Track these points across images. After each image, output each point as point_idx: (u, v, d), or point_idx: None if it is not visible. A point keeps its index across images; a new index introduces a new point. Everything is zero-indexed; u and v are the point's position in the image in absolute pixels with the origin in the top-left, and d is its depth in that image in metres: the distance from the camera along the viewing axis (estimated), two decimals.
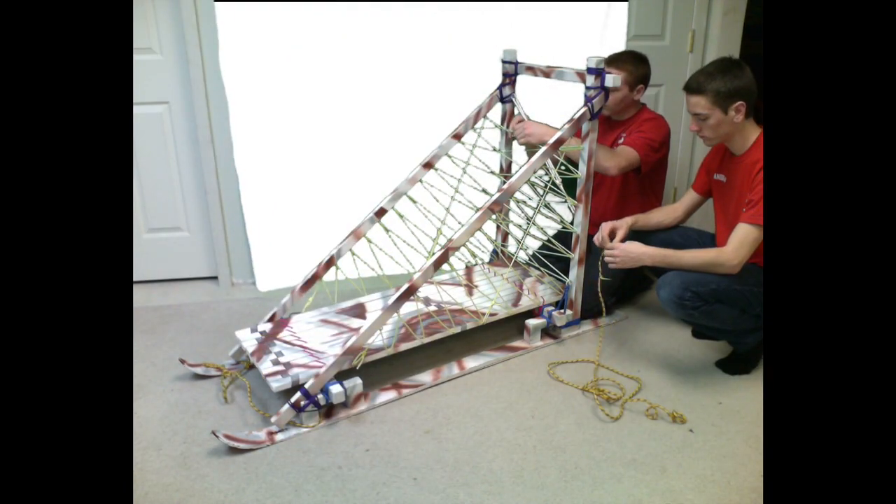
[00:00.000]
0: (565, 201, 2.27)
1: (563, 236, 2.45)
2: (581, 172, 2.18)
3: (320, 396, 1.84)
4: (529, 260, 2.58)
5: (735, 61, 1.97)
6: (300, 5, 2.41)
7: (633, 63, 2.36)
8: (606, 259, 2.09)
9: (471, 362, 2.16)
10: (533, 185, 2.31)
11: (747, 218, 1.92)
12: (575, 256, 2.27)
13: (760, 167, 1.94)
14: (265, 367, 1.92)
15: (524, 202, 2.33)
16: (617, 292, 2.48)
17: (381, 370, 2.09)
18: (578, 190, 2.20)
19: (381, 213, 2.26)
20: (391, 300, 1.90)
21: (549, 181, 2.27)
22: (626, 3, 2.67)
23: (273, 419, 1.82)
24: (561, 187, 2.27)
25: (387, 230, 2.27)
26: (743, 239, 1.93)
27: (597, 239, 2.20)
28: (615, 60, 2.36)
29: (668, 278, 2.00)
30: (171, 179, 2.66)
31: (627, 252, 2.04)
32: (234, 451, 1.76)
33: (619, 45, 2.71)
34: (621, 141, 2.42)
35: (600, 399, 1.96)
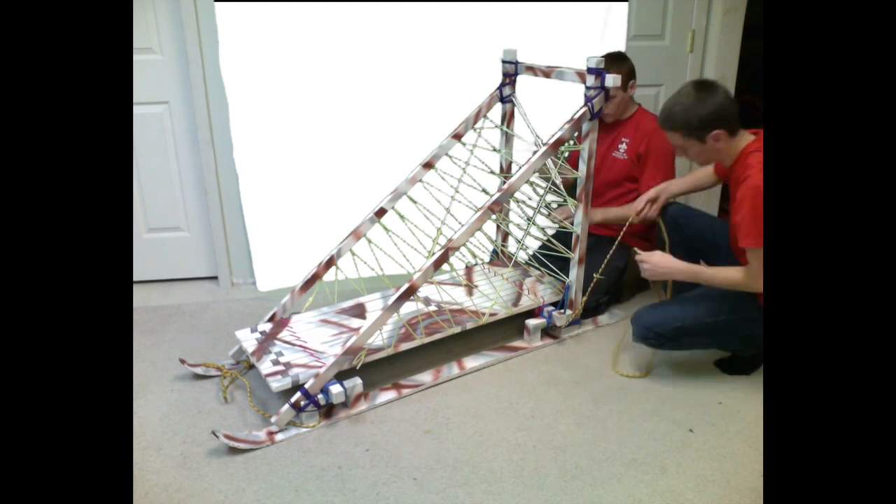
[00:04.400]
0: (565, 201, 2.27)
1: (564, 236, 2.45)
2: (581, 172, 2.18)
3: (320, 396, 1.84)
4: (529, 260, 2.58)
5: (705, 85, 1.88)
6: (300, 5, 2.41)
7: (616, 64, 2.31)
8: (640, 264, 2.04)
9: (471, 362, 2.16)
10: (533, 185, 2.31)
11: (748, 244, 1.82)
12: (575, 256, 2.27)
13: (743, 184, 1.83)
14: (265, 367, 1.92)
15: (524, 202, 2.33)
16: (610, 290, 2.50)
17: (381, 370, 2.09)
18: (578, 190, 2.20)
19: (381, 213, 2.26)
20: (391, 300, 1.90)
21: (549, 183, 2.27)
22: (626, 3, 2.66)
23: (273, 419, 1.82)
24: (562, 187, 2.27)
25: (387, 230, 2.27)
26: (756, 262, 1.83)
27: (636, 209, 2.21)
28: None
29: (636, 317, 2.07)
30: (171, 179, 2.66)
31: (656, 266, 1.99)
32: (234, 451, 1.76)
33: (619, 46, 2.71)
34: (622, 147, 2.46)
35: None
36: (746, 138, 1.91)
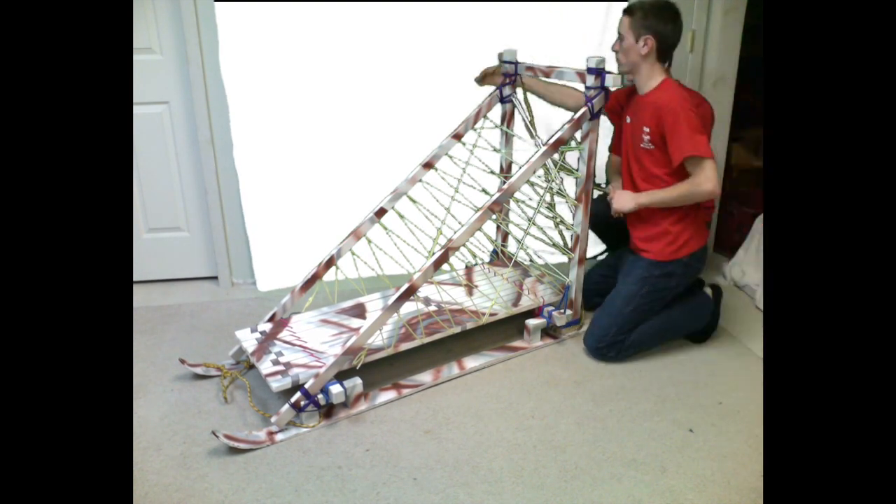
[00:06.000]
0: (566, 201, 2.27)
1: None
2: (581, 172, 2.18)
3: (320, 396, 1.84)
4: (531, 260, 2.58)
5: (674, 9, 2.06)
6: (300, 5, 2.41)
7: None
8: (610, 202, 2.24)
9: (471, 362, 2.17)
10: (533, 185, 2.31)
11: (689, 152, 2.00)
12: (575, 256, 2.27)
13: (664, 108, 2.03)
14: (265, 367, 1.92)
15: (524, 202, 2.33)
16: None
17: (381, 370, 2.09)
18: (578, 190, 2.20)
19: (381, 213, 2.26)
20: (391, 300, 1.90)
21: (549, 184, 2.27)
22: (625, 4, 2.66)
23: (273, 419, 1.82)
24: (562, 188, 2.27)
25: (387, 230, 2.27)
26: (696, 169, 2.03)
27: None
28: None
29: (585, 342, 2.25)
30: (171, 179, 2.66)
31: (620, 199, 2.19)
32: (234, 451, 1.76)
33: None
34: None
35: None
36: (664, 76, 2.11)
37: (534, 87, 2.39)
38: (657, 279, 2.18)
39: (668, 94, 2.06)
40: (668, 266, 2.18)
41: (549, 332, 2.34)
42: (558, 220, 2.37)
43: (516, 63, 2.35)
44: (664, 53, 2.08)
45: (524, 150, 2.52)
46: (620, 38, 2.09)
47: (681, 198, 2.09)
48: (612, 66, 2.15)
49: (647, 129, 2.11)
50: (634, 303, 2.17)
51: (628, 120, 2.22)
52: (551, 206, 2.40)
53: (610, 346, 2.17)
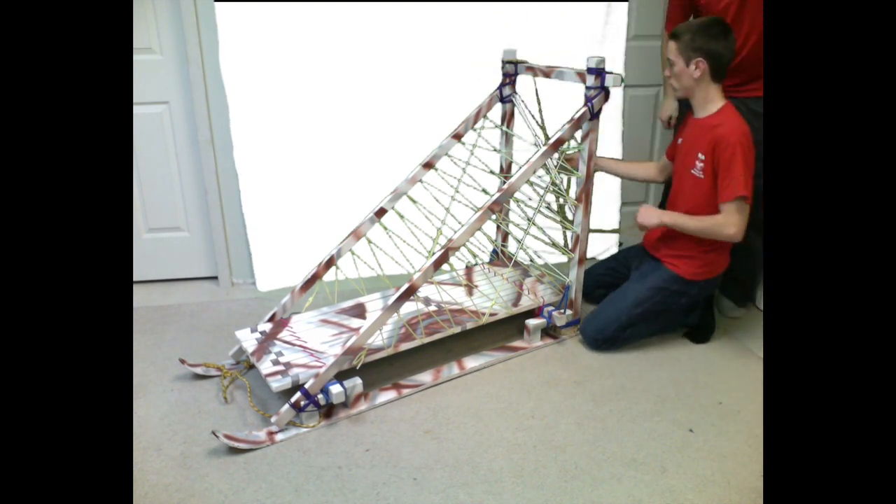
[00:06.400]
0: (566, 201, 2.27)
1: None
2: (581, 173, 2.18)
3: (320, 396, 1.84)
4: (531, 259, 2.58)
5: (723, 24, 2.00)
6: (300, 5, 2.41)
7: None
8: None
9: (471, 362, 2.17)
10: (532, 185, 2.31)
11: (741, 192, 1.97)
12: (575, 256, 2.27)
13: (723, 142, 1.98)
14: (265, 367, 1.92)
15: (524, 202, 2.33)
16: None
17: (381, 370, 2.09)
18: (578, 190, 2.21)
19: (381, 213, 2.26)
20: (391, 300, 1.90)
21: (549, 183, 2.27)
22: (626, 3, 2.66)
23: (273, 419, 1.82)
24: (562, 187, 2.27)
25: (387, 230, 2.27)
26: (732, 210, 2.01)
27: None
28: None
29: (582, 331, 2.29)
30: (171, 179, 2.66)
31: (645, 213, 2.16)
32: (234, 451, 1.76)
33: (619, 46, 2.71)
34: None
35: None
36: (724, 100, 2.07)
37: (602, 165, 2.37)
38: (672, 294, 2.20)
39: (728, 125, 2.00)
40: (688, 285, 2.19)
41: (549, 332, 2.34)
42: (566, 224, 2.36)
43: (516, 63, 2.35)
44: (719, 73, 2.01)
45: (524, 150, 2.52)
46: (671, 63, 2.04)
47: (701, 231, 2.08)
48: (612, 65, 2.15)
49: (701, 157, 2.05)
50: (644, 307, 2.20)
51: (679, 141, 2.20)
52: (561, 209, 2.41)
53: (607, 340, 2.22)
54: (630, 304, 2.20)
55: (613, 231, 2.78)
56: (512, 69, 2.36)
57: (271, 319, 2.18)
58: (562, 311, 2.30)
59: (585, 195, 2.20)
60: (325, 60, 2.50)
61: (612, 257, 2.55)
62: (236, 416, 1.91)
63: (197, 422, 1.88)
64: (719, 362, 2.19)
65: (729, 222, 2.00)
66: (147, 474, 1.68)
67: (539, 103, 2.41)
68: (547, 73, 2.24)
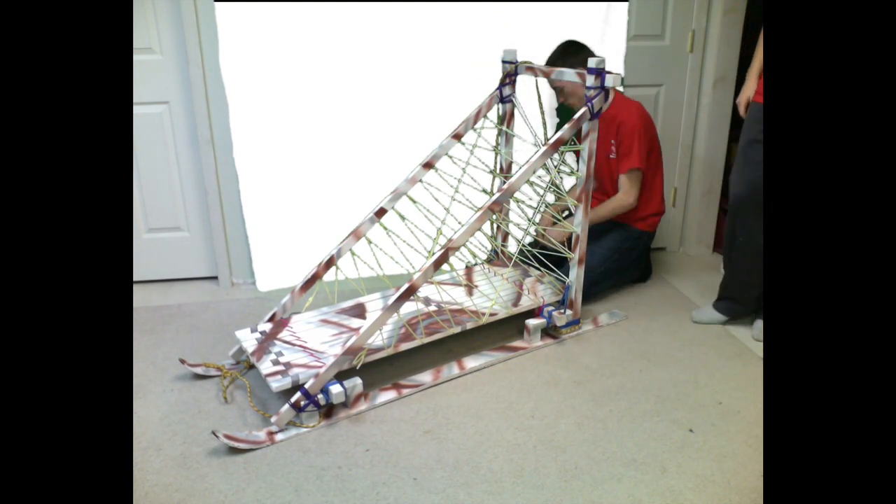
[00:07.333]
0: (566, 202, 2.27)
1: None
2: (581, 172, 2.18)
3: (320, 396, 1.84)
4: (528, 259, 2.58)
5: (575, 44, 2.42)
6: (300, 5, 2.41)
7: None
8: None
9: (471, 362, 2.17)
10: (533, 185, 2.31)
11: (623, 169, 2.46)
12: (575, 256, 2.27)
13: (624, 125, 2.44)
14: (265, 367, 1.92)
15: (524, 202, 2.33)
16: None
17: (381, 370, 2.09)
18: (578, 190, 2.21)
19: (381, 213, 2.26)
20: (391, 300, 1.90)
21: (549, 182, 2.27)
22: (626, 3, 2.66)
23: (273, 419, 1.82)
24: (561, 188, 2.27)
25: (387, 230, 2.27)
26: (628, 180, 2.49)
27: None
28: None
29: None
30: (171, 179, 2.66)
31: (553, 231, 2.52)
32: (234, 451, 1.76)
33: (619, 46, 2.71)
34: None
35: None
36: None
37: (593, 219, 2.52)
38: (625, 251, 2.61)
39: (624, 110, 2.46)
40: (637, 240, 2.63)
41: (549, 332, 2.34)
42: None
43: (516, 63, 2.35)
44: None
45: (524, 150, 2.52)
46: (561, 87, 2.45)
47: (612, 212, 2.56)
48: (612, 65, 2.15)
49: (613, 143, 2.50)
50: (605, 266, 2.58)
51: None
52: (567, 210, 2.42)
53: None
54: (595, 263, 2.53)
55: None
56: (512, 69, 2.36)
57: (271, 319, 2.18)
58: (562, 311, 2.30)
59: (585, 195, 2.20)
60: (326, 60, 2.50)
61: None
62: (236, 416, 1.91)
63: (197, 422, 1.88)
64: (719, 362, 2.19)
65: (627, 194, 2.51)
66: (147, 474, 1.68)
67: (540, 103, 2.41)
68: (547, 73, 2.24)
